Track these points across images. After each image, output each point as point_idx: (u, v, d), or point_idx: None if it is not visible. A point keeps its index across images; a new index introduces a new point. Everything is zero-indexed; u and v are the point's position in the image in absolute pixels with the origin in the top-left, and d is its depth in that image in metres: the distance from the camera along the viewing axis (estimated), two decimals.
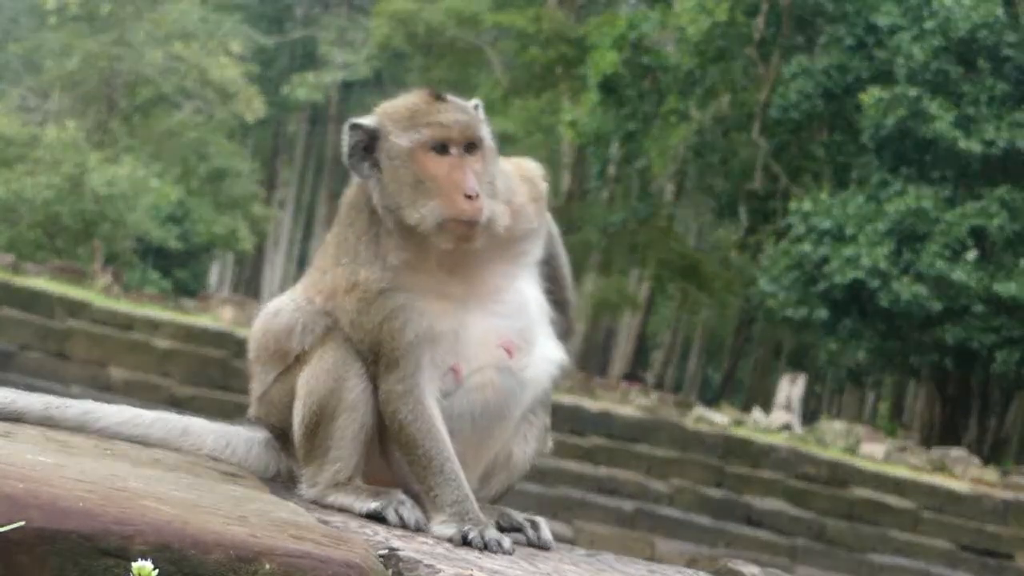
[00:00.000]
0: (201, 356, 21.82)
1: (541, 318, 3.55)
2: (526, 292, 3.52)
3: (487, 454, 3.53)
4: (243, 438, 3.70)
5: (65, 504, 2.28)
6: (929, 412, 33.46)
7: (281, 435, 3.61)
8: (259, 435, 3.71)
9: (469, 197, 3.34)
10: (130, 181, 36.41)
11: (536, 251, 3.58)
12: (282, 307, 3.58)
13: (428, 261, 3.42)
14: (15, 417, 3.49)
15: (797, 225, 30.27)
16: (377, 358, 3.40)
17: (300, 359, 3.50)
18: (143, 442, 3.58)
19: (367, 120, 3.46)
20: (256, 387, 3.67)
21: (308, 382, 3.45)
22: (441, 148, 3.39)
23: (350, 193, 3.59)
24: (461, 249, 3.40)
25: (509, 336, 3.46)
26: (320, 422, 3.42)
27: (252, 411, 3.71)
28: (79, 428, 3.55)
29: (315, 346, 3.46)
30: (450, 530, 3.23)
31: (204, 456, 3.60)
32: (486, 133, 3.46)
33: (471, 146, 3.40)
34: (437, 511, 3.30)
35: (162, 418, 3.68)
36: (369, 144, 3.43)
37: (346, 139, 3.45)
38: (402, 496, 3.36)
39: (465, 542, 3.17)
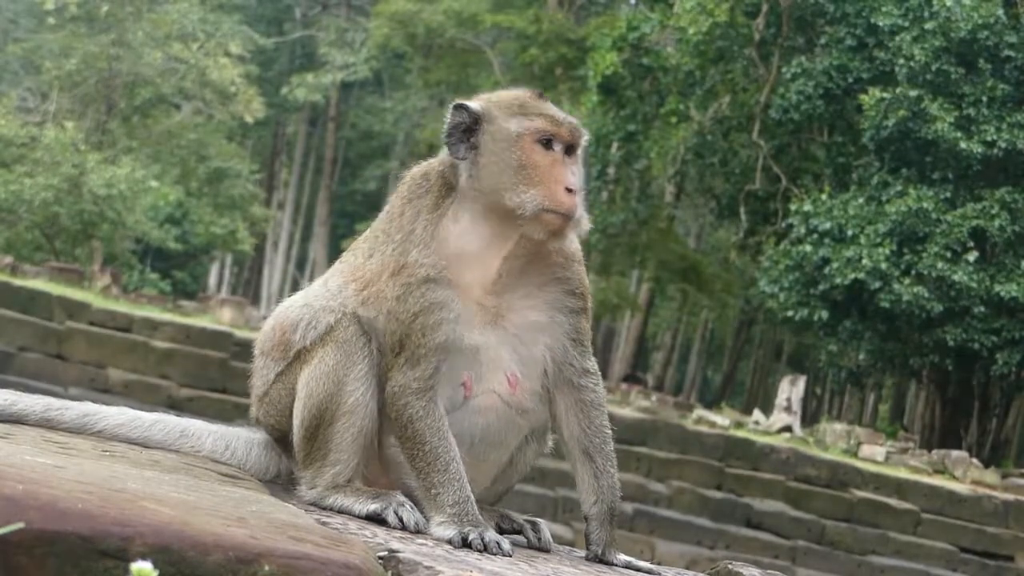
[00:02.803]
0: (200, 357, 21.81)
1: (551, 370, 3.51)
2: (543, 341, 3.49)
3: (482, 477, 3.51)
4: (242, 439, 3.69)
5: (64, 505, 2.26)
6: (929, 414, 33.47)
7: (281, 436, 3.60)
8: (259, 436, 3.70)
9: (569, 191, 3.36)
10: (129, 182, 36.43)
11: (568, 303, 3.54)
12: (293, 303, 3.59)
13: (488, 257, 3.39)
14: (15, 419, 3.47)
15: (797, 226, 30.28)
16: (400, 350, 3.36)
17: (301, 358, 3.47)
18: (142, 444, 3.56)
19: (472, 103, 3.46)
20: (257, 384, 3.65)
21: (308, 384, 3.42)
22: (547, 142, 3.41)
23: (419, 170, 3.56)
24: (550, 241, 3.42)
25: (517, 370, 3.44)
26: (320, 424, 3.40)
27: (252, 411, 3.70)
28: (79, 431, 3.53)
29: (316, 345, 3.43)
30: (450, 531, 3.21)
31: (203, 458, 3.58)
32: (585, 143, 3.52)
33: (571, 148, 3.45)
34: (437, 511, 3.28)
35: (161, 420, 3.67)
36: (469, 127, 3.42)
37: (448, 118, 3.45)
38: (401, 498, 3.34)
39: (465, 544, 3.15)
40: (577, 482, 3.54)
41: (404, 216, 3.45)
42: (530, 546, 3.50)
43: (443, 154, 3.51)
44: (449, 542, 3.16)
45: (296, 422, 3.47)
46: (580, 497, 3.53)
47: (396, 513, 3.27)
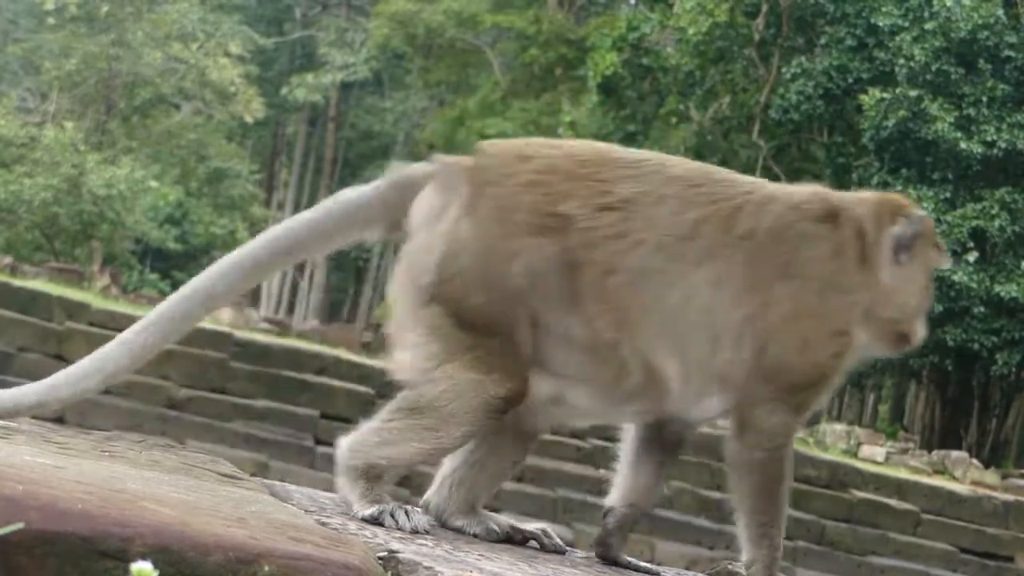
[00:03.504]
0: (200, 357, 21.79)
1: None
2: None
3: None
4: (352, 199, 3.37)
5: (64, 506, 2.26)
6: (929, 414, 33.48)
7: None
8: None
9: None
10: (128, 182, 36.47)
11: None
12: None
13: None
14: (108, 383, 3.39)
15: None
16: (796, 392, 3.31)
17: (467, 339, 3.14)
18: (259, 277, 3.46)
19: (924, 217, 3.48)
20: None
21: (449, 377, 3.13)
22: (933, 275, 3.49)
23: (851, 226, 3.33)
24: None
25: None
26: (419, 417, 3.15)
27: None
28: (193, 320, 3.42)
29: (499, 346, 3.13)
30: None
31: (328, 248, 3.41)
32: None
33: None
34: (769, 548, 3.37)
35: (271, 239, 3.33)
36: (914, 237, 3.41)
37: (915, 226, 3.39)
38: (399, 503, 3.24)
39: None
40: (625, 476, 3.45)
41: (834, 271, 3.31)
42: (544, 551, 3.46)
43: (869, 227, 3.36)
44: None
45: (417, 386, 3.17)
46: (618, 492, 3.44)
47: (392, 515, 3.18)
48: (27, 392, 3.25)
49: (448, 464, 3.41)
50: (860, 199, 3.44)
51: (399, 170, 3.35)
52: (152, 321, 3.32)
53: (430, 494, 3.41)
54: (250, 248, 3.32)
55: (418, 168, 3.32)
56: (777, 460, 3.37)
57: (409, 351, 3.18)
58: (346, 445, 3.22)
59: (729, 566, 3.61)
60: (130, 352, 3.29)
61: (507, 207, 3.13)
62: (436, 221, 3.17)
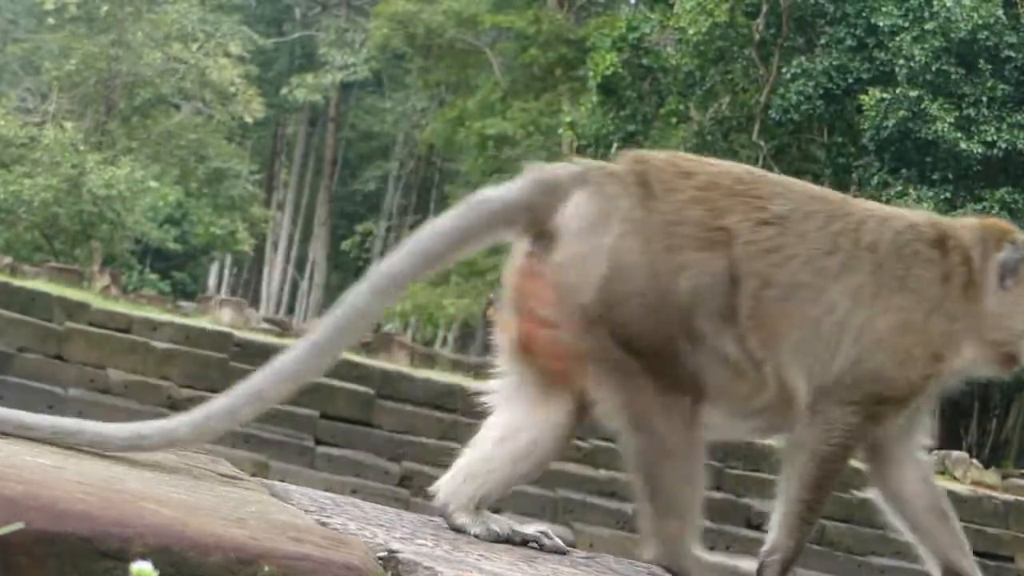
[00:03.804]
0: (200, 358, 21.78)
1: None
2: None
3: None
4: None
5: (65, 506, 2.26)
6: (929, 414, 33.47)
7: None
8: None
9: None
10: (128, 182, 36.48)
11: None
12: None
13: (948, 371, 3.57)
14: (261, 412, 3.23)
15: None
16: (880, 403, 3.40)
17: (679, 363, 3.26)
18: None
19: None
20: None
21: (649, 419, 3.23)
22: None
23: (958, 253, 3.51)
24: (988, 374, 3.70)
25: None
26: (657, 471, 3.31)
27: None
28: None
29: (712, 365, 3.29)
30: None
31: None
32: None
33: None
34: (794, 540, 3.40)
35: (423, 249, 3.24)
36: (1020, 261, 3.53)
37: (1019, 252, 3.54)
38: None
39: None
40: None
41: (941, 296, 3.44)
42: (543, 550, 3.46)
43: (975, 254, 3.52)
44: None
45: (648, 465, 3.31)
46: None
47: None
48: (178, 426, 3.16)
49: (467, 455, 3.43)
50: (965, 225, 3.60)
51: (540, 169, 3.32)
52: (308, 349, 3.22)
53: (442, 481, 3.43)
54: (401, 260, 3.26)
55: (561, 169, 3.31)
56: (837, 458, 3.37)
57: (603, 388, 3.24)
58: (648, 554, 3.54)
59: None
60: (286, 381, 3.21)
61: (674, 222, 3.19)
62: (595, 233, 3.19)
